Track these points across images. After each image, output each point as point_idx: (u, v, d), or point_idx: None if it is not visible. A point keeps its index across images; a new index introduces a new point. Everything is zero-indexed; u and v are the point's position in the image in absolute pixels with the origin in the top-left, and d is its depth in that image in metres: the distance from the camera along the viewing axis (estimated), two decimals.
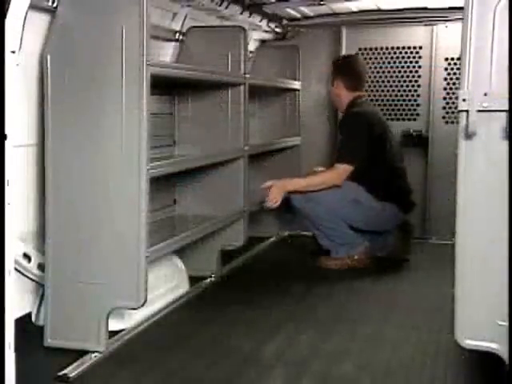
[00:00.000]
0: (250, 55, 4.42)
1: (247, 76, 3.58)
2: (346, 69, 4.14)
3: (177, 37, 3.61)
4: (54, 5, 2.46)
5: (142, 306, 2.52)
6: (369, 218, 3.94)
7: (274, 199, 3.84)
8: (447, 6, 4.38)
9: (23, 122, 2.57)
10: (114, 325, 2.71)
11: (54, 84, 2.47)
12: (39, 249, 2.67)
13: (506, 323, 1.86)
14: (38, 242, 2.69)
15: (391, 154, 4.06)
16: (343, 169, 3.87)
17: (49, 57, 2.46)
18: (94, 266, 2.50)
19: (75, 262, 2.52)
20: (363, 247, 3.97)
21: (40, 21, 2.51)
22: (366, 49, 4.76)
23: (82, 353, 2.50)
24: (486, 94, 1.85)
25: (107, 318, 2.52)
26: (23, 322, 2.64)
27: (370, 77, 4.76)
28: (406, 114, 4.73)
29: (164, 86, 3.46)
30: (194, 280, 3.48)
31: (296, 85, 4.68)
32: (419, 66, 4.69)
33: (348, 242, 3.94)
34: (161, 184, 3.39)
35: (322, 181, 3.89)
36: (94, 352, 2.51)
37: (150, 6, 2.39)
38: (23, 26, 2.41)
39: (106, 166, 2.46)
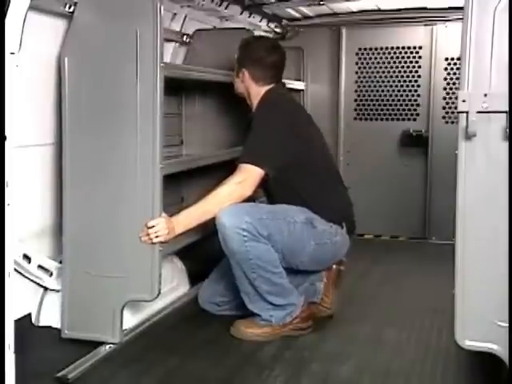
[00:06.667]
0: None
1: None
2: (254, 56, 3.02)
3: (177, 38, 3.60)
4: (71, 10, 2.55)
5: (156, 298, 2.60)
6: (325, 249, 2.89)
7: (150, 240, 2.51)
8: (447, 6, 4.39)
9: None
10: None
11: (70, 85, 2.54)
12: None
13: (506, 324, 1.86)
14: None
15: (324, 154, 3.03)
16: (252, 171, 2.72)
17: (66, 59, 2.53)
18: (109, 260, 2.57)
19: (91, 256, 2.58)
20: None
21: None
22: (365, 49, 4.76)
23: (82, 353, 2.51)
24: (485, 95, 1.85)
25: (122, 311, 2.58)
26: (23, 323, 2.64)
27: (370, 77, 4.77)
28: (406, 114, 4.73)
29: (172, 87, 3.48)
30: (194, 280, 3.48)
31: (301, 85, 4.79)
32: (419, 66, 4.69)
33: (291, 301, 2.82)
34: (169, 182, 3.40)
35: (225, 194, 2.70)
36: (108, 344, 2.58)
37: (164, 10, 2.46)
38: (23, 26, 2.42)
39: (122, 163, 2.52)
